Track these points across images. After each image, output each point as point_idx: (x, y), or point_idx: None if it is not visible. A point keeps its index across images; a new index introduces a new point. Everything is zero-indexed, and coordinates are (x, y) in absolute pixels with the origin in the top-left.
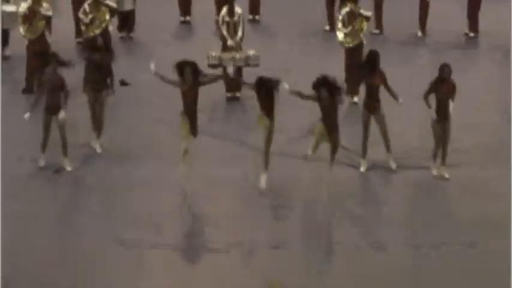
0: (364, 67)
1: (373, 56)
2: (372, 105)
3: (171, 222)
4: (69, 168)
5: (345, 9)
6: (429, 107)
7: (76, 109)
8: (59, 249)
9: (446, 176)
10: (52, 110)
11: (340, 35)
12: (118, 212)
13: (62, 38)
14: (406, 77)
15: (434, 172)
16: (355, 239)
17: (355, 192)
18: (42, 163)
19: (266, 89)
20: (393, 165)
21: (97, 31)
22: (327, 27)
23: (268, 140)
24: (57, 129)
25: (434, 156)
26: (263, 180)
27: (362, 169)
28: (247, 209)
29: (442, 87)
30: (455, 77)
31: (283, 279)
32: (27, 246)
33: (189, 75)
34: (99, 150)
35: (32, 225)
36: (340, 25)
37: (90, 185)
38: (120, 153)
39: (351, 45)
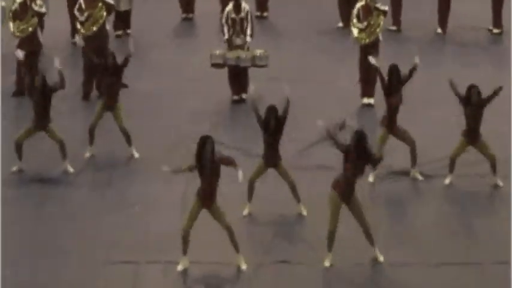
0: (389, 85)
1: (397, 71)
2: (391, 124)
3: (170, 240)
4: (71, 170)
5: (360, 3)
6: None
7: (66, 117)
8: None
9: (500, 184)
10: (40, 126)
11: (354, 31)
12: (113, 231)
13: (56, 37)
14: (426, 78)
15: (447, 181)
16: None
17: (377, 204)
18: (15, 168)
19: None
20: (419, 177)
21: (93, 28)
22: (340, 24)
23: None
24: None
25: (452, 166)
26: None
27: (371, 179)
28: (252, 225)
29: (470, 109)
30: (480, 79)
31: None
32: (14, 266)
33: (209, 151)
34: (136, 155)
35: (19, 244)
36: (355, 20)
37: (80, 201)
38: (114, 166)
39: (366, 41)
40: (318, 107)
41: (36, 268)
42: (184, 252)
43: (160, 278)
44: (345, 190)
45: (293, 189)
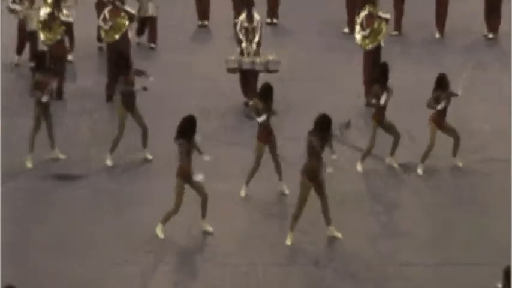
0: (378, 81)
1: (386, 68)
2: (382, 116)
3: (176, 240)
4: (62, 156)
5: (364, 12)
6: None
7: (85, 120)
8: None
9: (460, 164)
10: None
11: (358, 37)
12: (120, 231)
13: (85, 43)
14: (425, 80)
15: (419, 171)
16: (376, 255)
17: (377, 203)
18: (30, 164)
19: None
20: (395, 165)
21: (116, 36)
22: (346, 30)
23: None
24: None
25: (424, 157)
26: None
27: (359, 168)
28: (258, 227)
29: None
30: (478, 80)
31: None
32: (24, 267)
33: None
34: (150, 157)
35: (23, 244)
36: (358, 28)
37: (91, 201)
38: (121, 166)
39: (370, 47)
40: (323, 106)
41: (40, 268)
42: (164, 223)
43: (166, 279)
44: (314, 174)
45: (277, 166)
